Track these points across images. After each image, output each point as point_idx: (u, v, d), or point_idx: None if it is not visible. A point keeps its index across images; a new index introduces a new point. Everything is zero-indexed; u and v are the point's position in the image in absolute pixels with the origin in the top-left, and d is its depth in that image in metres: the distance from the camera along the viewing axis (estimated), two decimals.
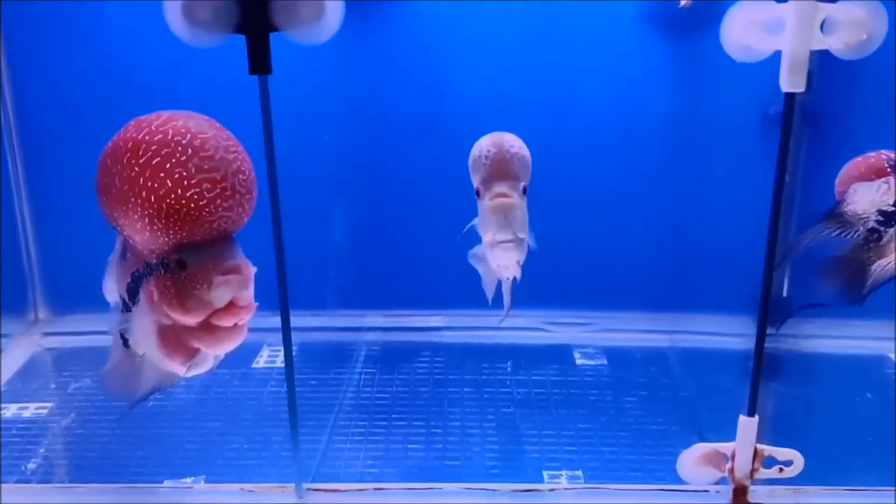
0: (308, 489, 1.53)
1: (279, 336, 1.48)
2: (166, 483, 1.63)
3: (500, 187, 1.37)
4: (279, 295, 1.44)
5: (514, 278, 1.60)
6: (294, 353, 1.50)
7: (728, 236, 2.16)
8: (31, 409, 1.91)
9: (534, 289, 2.27)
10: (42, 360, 2.17)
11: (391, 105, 2.18)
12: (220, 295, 1.13)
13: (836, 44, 1.26)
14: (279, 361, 2.08)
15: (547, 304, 2.29)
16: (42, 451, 1.77)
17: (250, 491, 1.54)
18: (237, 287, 1.14)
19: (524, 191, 1.40)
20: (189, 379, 1.94)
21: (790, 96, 1.30)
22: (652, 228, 2.27)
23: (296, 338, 1.51)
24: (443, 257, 2.28)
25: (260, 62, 1.24)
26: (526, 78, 2.14)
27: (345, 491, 1.54)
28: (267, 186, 1.35)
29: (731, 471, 1.49)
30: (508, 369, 2.09)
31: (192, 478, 1.66)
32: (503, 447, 1.78)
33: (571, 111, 2.19)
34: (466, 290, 2.29)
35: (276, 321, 1.46)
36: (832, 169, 2.18)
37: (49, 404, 1.93)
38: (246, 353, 2.11)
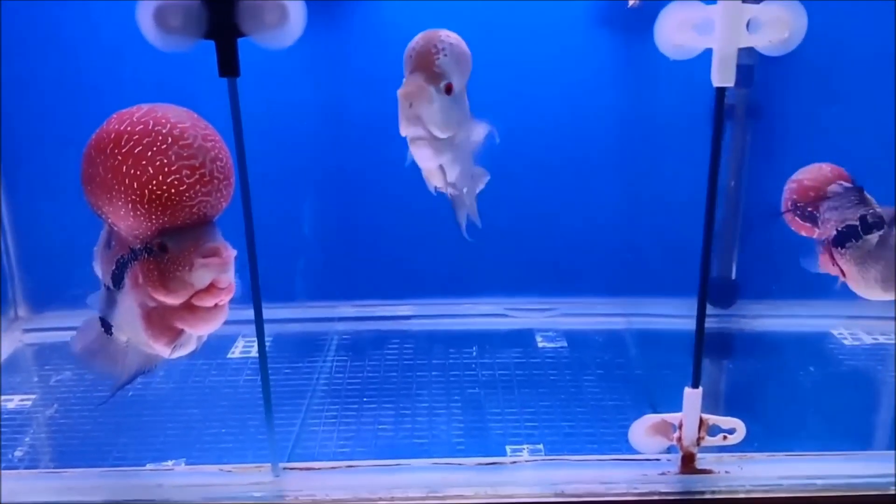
0: (283, 468, 1.59)
1: (253, 328, 1.54)
2: (148, 466, 1.71)
3: (413, 78, 1.35)
4: (251, 285, 1.51)
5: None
6: (268, 344, 1.58)
7: (680, 224, 2.26)
8: (15, 401, 1.98)
9: (497, 277, 2.39)
10: (23, 356, 2.24)
11: (357, 99, 2.25)
12: (200, 276, 1.21)
13: (761, 41, 1.37)
14: (253, 352, 2.16)
15: (510, 292, 2.40)
16: (28, 439, 1.84)
17: (229, 471, 1.59)
18: (217, 269, 1.21)
19: (448, 89, 1.36)
20: (167, 369, 2.04)
21: (720, 90, 1.41)
22: (609, 218, 2.37)
23: (269, 329, 1.58)
24: (411, 249, 2.38)
25: (228, 65, 1.32)
26: (484, 76, 2.22)
27: (318, 469, 1.61)
28: (238, 183, 1.42)
29: (679, 439, 1.58)
30: (474, 354, 2.19)
31: (173, 461, 1.73)
32: (468, 425, 1.87)
33: (530, 107, 2.29)
34: (434, 280, 2.40)
35: (250, 313, 1.52)
36: (775, 158, 2.32)
37: (32, 396, 2.01)
38: (221, 344, 2.19)
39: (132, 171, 1.17)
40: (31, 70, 2.20)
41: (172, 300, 1.23)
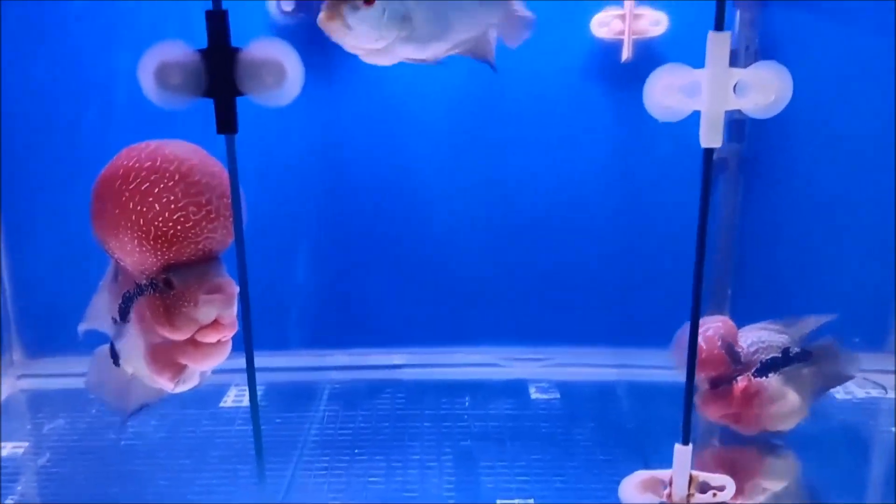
0: None
1: (245, 376, 1.54)
2: None
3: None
4: (244, 334, 1.50)
5: None
6: (261, 393, 1.57)
7: (673, 276, 2.29)
8: (7, 448, 1.97)
9: (491, 326, 2.40)
10: (17, 402, 2.24)
11: (350, 150, 2.29)
12: (205, 312, 1.22)
13: (748, 104, 1.39)
14: (245, 401, 2.16)
15: (503, 341, 2.41)
16: (19, 487, 1.83)
17: None
18: (221, 305, 1.22)
19: None
20: (160, 417, 2.04)
21: (708, 151, 1.43)
22: (603, 269, 2.39)
23: (262, 378, 1.56)
24: (404, 297, 2.39)
25: (227, 123, 1.33)
26: (479, 128, 2.27)
27: None
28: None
29: (669, 496, 1.57)
30: (466, 405, 2.18)
31: None
32: (460, 478, 1.87)
33: (524, 159, 2.32)
34: (427, 329, 2.41)
35: (242, 362, 1.52)
36: (767, 211, 2.35)
37: (25, 444, 2.00)
38: (214, 394, 2.19)
39: (139, 208, 1.19)
40: (32, 109, 2.23)
41: (177, 336, 1.24)
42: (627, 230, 2.36)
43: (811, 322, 1.88)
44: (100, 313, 1.39)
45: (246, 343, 1.48)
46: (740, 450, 1.91)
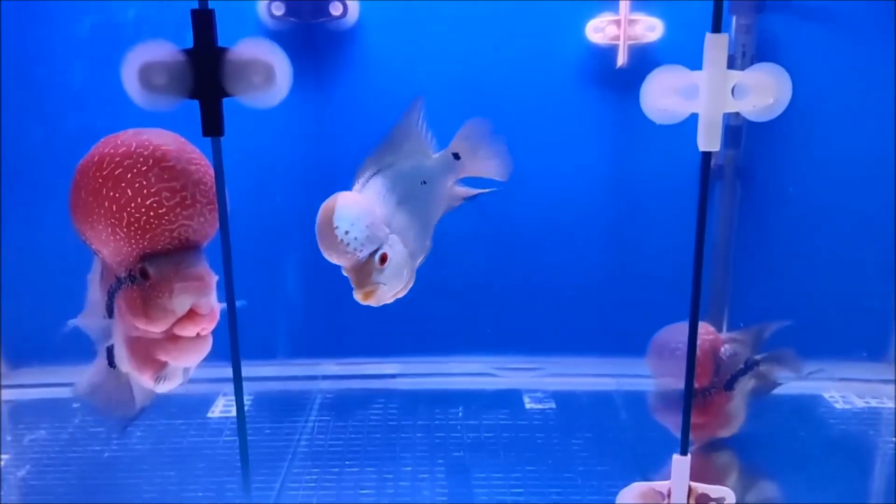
0: None
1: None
2: None
3: (354, 279, 1.31)
4: (231, 343, 1.47)
5: None
6: (249, 403, 1.53)
7: (670, 284, 2.26)
8: None
9: (486, 335, 2.36)
10: None
11: (341, 154, 2.25)
12: (180, 302, 1.16)
13: (747, 107, 1.36)
14: (234, 411, 2.11)
15: (498, 350, 2.37)
16: None
17: None
18: (197, 294, 1.16)
19: (383, 259, 1.30)
20: (145, 428, 2.00)
21: (706, 154, 1.40)
22: (598, 277, 2.36)
23: (252, 387, 1.54)
24: (398, 305, 2.35)
25: (213, 125, 1.30)
26: None
27: None
28: (220, 238, 1.40)
29: None
30: (460, 415, 2.14)
31: None
32: (452, 490, 1.83)
33: (519, 165, 2.28)
34: (421, 338, 2.37)
35: (230, 371, 1.48)
36: (764, 218, 2.32)
37: (6, 456, 1.95)
38: (201, 403, 2.13)
39: (111, 194, 1.15)
40: (14, 130, 2.19)
41: (154, 328, 1.19)
42: (623, 237, 2.33)
43: (765, 330, 1.88)
44: (92, 310, 1.35)
45: (233, 351, 1.44)
46: (710, 455, 1.89)
